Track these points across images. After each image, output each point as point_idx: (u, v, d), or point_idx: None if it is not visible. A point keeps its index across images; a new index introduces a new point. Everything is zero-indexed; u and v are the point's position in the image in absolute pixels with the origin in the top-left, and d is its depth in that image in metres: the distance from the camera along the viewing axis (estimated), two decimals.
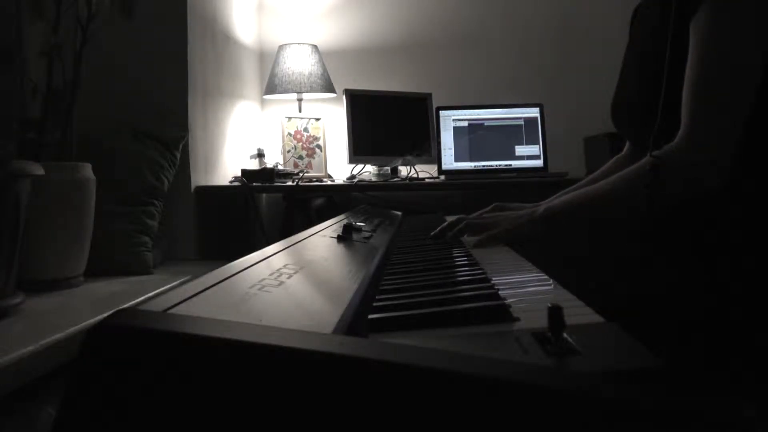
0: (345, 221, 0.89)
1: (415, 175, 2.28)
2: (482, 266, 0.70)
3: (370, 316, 0.46)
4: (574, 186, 1.19)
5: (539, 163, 2.23)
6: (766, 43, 0.78)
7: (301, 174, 2.20)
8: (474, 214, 1.12)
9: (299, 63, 2.28)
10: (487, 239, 0.91)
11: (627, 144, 1.18)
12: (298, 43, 2.33)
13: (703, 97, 0.80)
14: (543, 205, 0.95)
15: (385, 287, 0.60)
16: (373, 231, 0.89)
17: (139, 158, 1.62)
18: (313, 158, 2.35)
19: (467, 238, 0.96)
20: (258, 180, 2.01)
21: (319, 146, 2.37)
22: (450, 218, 1.08)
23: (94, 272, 1.40)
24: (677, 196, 0.82)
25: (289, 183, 2.09)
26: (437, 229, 0.99)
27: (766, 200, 0.80)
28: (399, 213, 1.47)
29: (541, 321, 0.38)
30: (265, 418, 0.24)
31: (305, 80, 2.27)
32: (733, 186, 0.80)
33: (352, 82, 2.41)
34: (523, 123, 2.25)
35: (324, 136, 2.38)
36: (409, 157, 2.21)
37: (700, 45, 0.80)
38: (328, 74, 2.34)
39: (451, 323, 0.45)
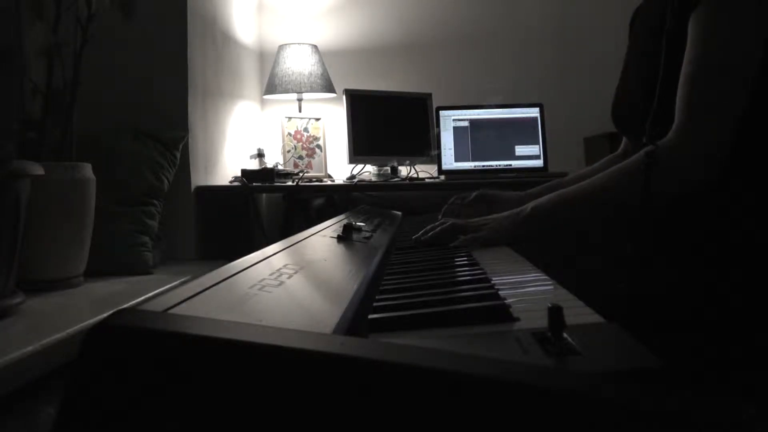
0: (345, 221, 0.88)
1: (415, 175, 2.28)
2: (482, 266, 0.70)
3: (371, 316, 0.46)
4: (559, 181, 1.19)
5: (539, 163, 2.23)
6: (763, 42, 0.78)
7: (301, 174, 2.20)
8: (459, 197, 1.13)
9: (299, 63, 2.28)
10: (471, 242, 0.90)
11: (622, 143, 1.17)
12: (298, 43, 2.33)
13: (696, 94, 0.80)
14: (530, 205, 0.94)
15: (385, 287, 0.60)
16: (373, 231, 0.89)
17: (139, 158, 1.62)
18: (313, 158, 2.35)
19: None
20: (258, 180, 2.01)
21: (319, 146, 2.37)
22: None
23: (94, 272, 1.40)
24: (666, 191, 0.81)
25: (289, 183, 2.09)
26: (420, 233, 0.99)
27: (760, 200, 0.80)
28: (399, 213, 1.46)
29: (541, 321, 0.38)
30: (265, 419, 0.24)
31: (305, 80, 2.27)
32: (729, 185, 0.80)
33: (352, 82, 2.41)
34: (523, 123, 2.25)
35: (324, 136, 2.38)
36: (411, 159, 2.21)
37: (698, 41, 0.80)
38: (328, 74, 2.34)
39: (451, 323, 0.45)
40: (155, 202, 1.64)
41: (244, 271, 0.44)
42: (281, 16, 2.54)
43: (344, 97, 2.26)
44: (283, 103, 2.47)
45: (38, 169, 1.11)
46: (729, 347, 0.75)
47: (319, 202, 2.26)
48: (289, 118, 2.35)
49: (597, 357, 0.34)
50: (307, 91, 2.28)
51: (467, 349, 0.38)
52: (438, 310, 0.47)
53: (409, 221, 1.37)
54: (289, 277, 0.45)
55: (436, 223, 1.00)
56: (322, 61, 2.34)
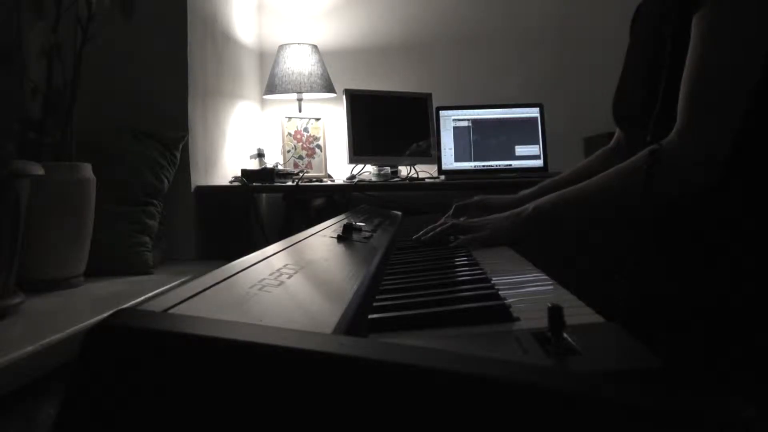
0: (345, 221, 0.88)
1: (415, 175, 2.28)
2: (482, 266, 0.70)
3: (371, 316, 0.46)
4: (557, 178, 1.19)
5: (539, 163, 2.23)
6: (766, 44, 0.78)
7: (301, 174, 2.20)
8: (460, 203, 1.13)
9: (299, 63, 2.28)
10: (471, 242, 0.91)
11: (614, 137, 1.18)
12: (298, 43, 2.33)
13: (698, 95, 0.80)
14: (530, 205, 0.94)
15: (385, 287, 0.60)
16: (373, 231, 0.89)
17: (139, 158, 1.62)
18: (313, 158, 2.35)
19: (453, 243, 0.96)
20: (258, 180, 2.01)
21: (319, 146, 2.36)
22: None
23: (94, 272, 1.40)
24: (667, 191, 0.82)
25: (289, 183, 2.09)
26: (420, 233, 0.99)
27: (760, 200, 0.80)
28: (399, 213, 1.46)
29: (541, 321, 0.38)
30: (265, 418, 0.24)
31: (305, 80, 2.27)
32: (729, 185, 0.80)
33: (352, 82, 2.41)
34: (523, 123, 2.25)
35: (324, 136, 2.38)
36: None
37: (700, 42, 0.80)
38: (328, 74, 2.34)
39: (451, 323, 0.45)
40: (155, 202, 1.64)
41: (244, 271, 0.44)
42: (281, 16, 2.54)
43: (344, 97, 2.26)
44: (283, 103, 2.47)
45: (38, 169, 1.11)
46: (729, 347, 0.75)
47: (319, 202, 2.25)
48: (289, 118, 2.35)
49: (597, 357, 0.34)
50: (307, 91, 2.28)
51: (467, 349, 0.38)
52: (438, 310, 0.47)
53: (409, 221, 1.37)
54: (289, 277, 0.45)
55: (437, 224, 1.00)
56: (322, 61, 2.34)
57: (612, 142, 1.18)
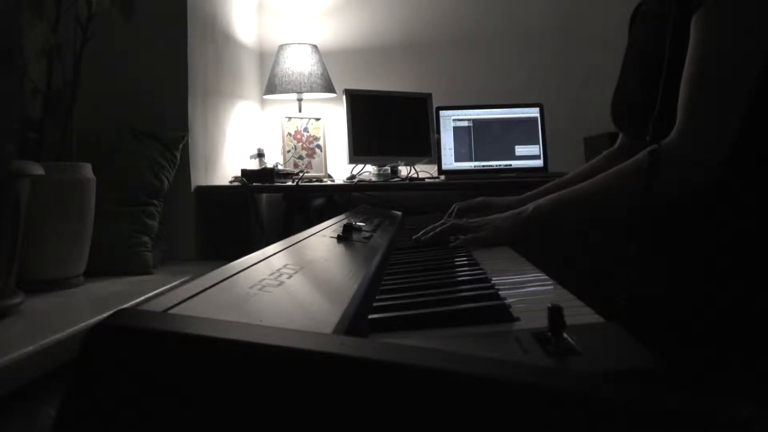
0: (345, 221, 0.88)
1: (415, 175, 2.28)
2: (482, 266, 0.70)
3: (371, 316, 0.46)
4: (559, 180, 1.19)
5: (539, 163, 2.23)
6: (766, 44, 0.78)
7: (301, 174, 2.20)
8: (463, 204, 1.13)
9: (299, 63, 2.28)
10: (472, 242, 0.91)
11: (618, 139, 1.18)
12: (298, 43, 2.33)
13: (697, 95, 0.80)
14: (531, 205, 0.94)
15: (386, 287, 0.60)
16: (373, 231, 0.89)
17: (139, 158, 1.62)
18: (313, 158, 2.35)
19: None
20: (258, 180, 2.01)
21: (319, 146, 2.37)
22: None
23: (94, 272, 1.40)
24: (667, 192, 0.82)
25: (289, 183, 2.09)
26: (420, 233, 0.99)
27: (760, 200, 0.80)
28: (399, 213, 1.46)
29: (541, 321, 0.38)
30: (265, 418, 0.24)
31: (305, 80, 2.27)
32: (729, 185, 0.80)
33: (352, 82, 2.41)
34: (523, 123, 2.25)
35: (324, 136, 2.38)
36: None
37: (700, 43, 0.80)
38: (328, 74, 2.34)
39: (451, 323, 0.45)
40: (155, 202, 1.64)
41: (244, 271, 0.44)
42: (281, 16, 2.54)
43: (344, 97, 2.26)
44: (283, 103, 2.47)
45: (38, 169, 1.11)
46: (728, 347, 0.75)
47: (319, 202, 2.26)
48: (289, 118, 2.35)
49: (597, 357, 0.34)
50: (307, 91, 2.28)
51: (467, 349, 0.38)
52: (438, 310, 0.47)
53: (409, 221, 1.37)
54: (289, 277, 0.45)
55: (437, 223, 1.00)
56: (322, 61, 2.34)
57: (616, 145, 1.18)
